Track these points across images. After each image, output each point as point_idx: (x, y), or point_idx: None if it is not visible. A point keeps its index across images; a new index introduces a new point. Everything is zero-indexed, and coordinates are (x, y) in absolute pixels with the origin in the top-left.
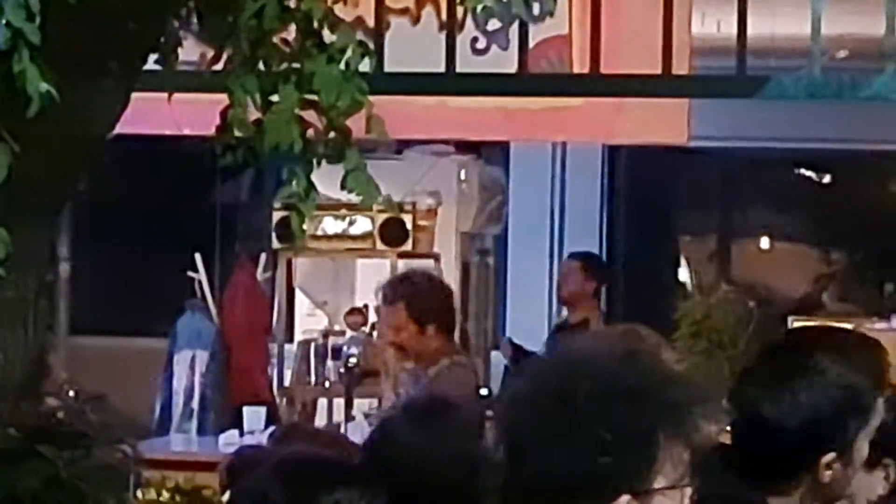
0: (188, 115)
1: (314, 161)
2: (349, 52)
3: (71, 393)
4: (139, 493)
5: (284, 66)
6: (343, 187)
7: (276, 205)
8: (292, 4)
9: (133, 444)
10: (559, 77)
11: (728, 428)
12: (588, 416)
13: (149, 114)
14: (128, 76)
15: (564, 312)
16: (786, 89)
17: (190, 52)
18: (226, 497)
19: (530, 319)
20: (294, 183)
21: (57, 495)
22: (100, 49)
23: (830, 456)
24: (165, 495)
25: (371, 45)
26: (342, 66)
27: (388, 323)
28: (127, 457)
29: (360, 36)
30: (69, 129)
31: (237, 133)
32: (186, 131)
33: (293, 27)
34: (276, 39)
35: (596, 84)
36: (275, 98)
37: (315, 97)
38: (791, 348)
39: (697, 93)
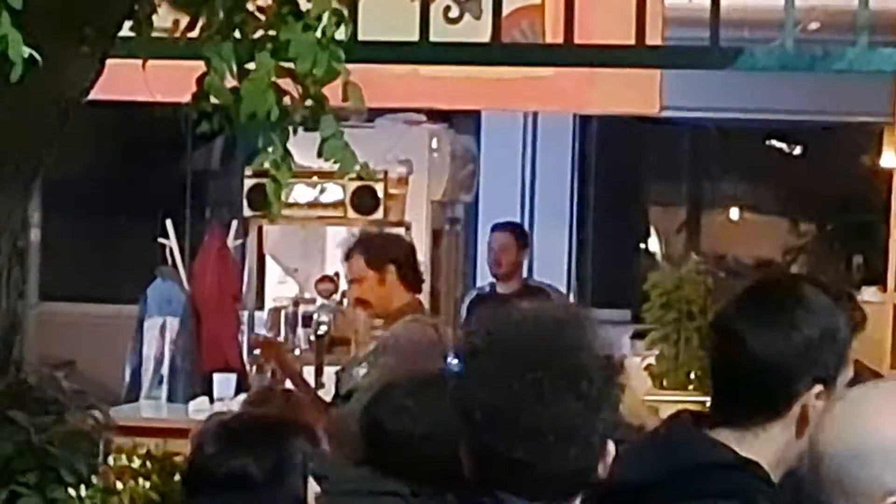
0: (160, 80)
1: (290, 129)
2: (325, 20)
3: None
4: (110, 460)
5: (260, 33)
6: (320, 155)
7: (248, 172)
8: None
9: (104, 411)
10: (532, 47)
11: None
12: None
13: (120, 79)
14: (103, 43)
15: (484, 282)
16: (758, 61)
17: (164, 18)
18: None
19: None
20: (270, 150)
21: (29, 460)
22: (76, 15)
23: (818, 388)
24: (136, 461)
25: (346, 13)
26: (318, 33)
27: (350, 278)
28: (98, 423)
29: (334, 4)
30: (44, 96)
31: (213, 101)
32: (159, 97)
33: None
34: (251, 6)
35: (568, 54)
36: (251, 66)
37: (291, 65)
38: (776, 284)
39: (670, 64)
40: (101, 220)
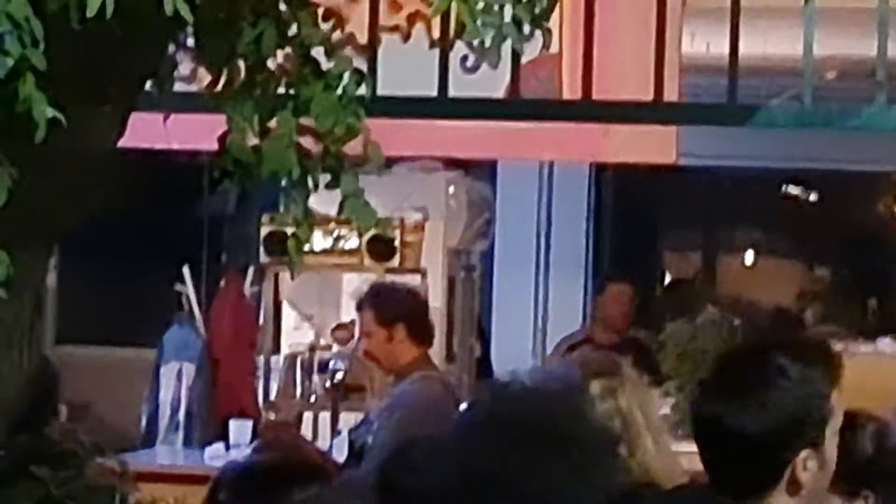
0: (177, 128)
1: (311, 186)
2: (346, 79)
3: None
4: None
5: (282, 91)
6: (340, 213)
7: (264, 218)
8: (290, 31)
9: (123, 464)
10: (549, 103)
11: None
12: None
13: (137, 127)
14: (126, 101)
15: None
16: (775, 118)
17: (182, 66)
18: None
19: (516, 335)
20: (292, 208)
21: None
22: (99, 75)
23: (805, 452)
24: None
25: (365, 70)
26: (339, 92)
27: (361, 332)
28: (117, 475)
29: (351, 53)
30: (67, 155)
31: (236, 157)
32: (176, 146)
33: (290, 52)
34: (272, 65)
35: (586, 110)
36: (272, 124)
37: (312, 123)
38: (748, 354)
39: (688, 120)
40: (117, 264)
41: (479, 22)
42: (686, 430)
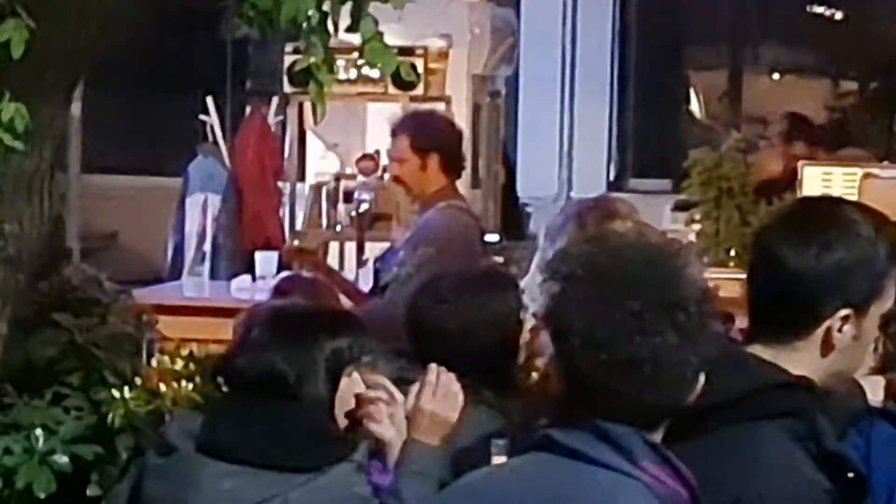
0: None
1: (330, 31)
2: None
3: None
4: (153, 362)
5: None
6: (361, 56)
7: (288, 48)
8: None
9: (148, 312)
10: None
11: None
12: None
13: None
14: None
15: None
16: None
17: None
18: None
19: (541, 161)
20: (312, 51)
21: (73, 362)
22: None
23: (845, 311)
24: (179, 363)
25: None
26: None
27: (392, 156)
28: (141, 323)
29: None
30: (85, 4)
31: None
32: None
33: None
34: None
35: None
36: None
37: None
38: (822, 202)
39: None
40: (142, 92)
41: None
42: (710, 258)
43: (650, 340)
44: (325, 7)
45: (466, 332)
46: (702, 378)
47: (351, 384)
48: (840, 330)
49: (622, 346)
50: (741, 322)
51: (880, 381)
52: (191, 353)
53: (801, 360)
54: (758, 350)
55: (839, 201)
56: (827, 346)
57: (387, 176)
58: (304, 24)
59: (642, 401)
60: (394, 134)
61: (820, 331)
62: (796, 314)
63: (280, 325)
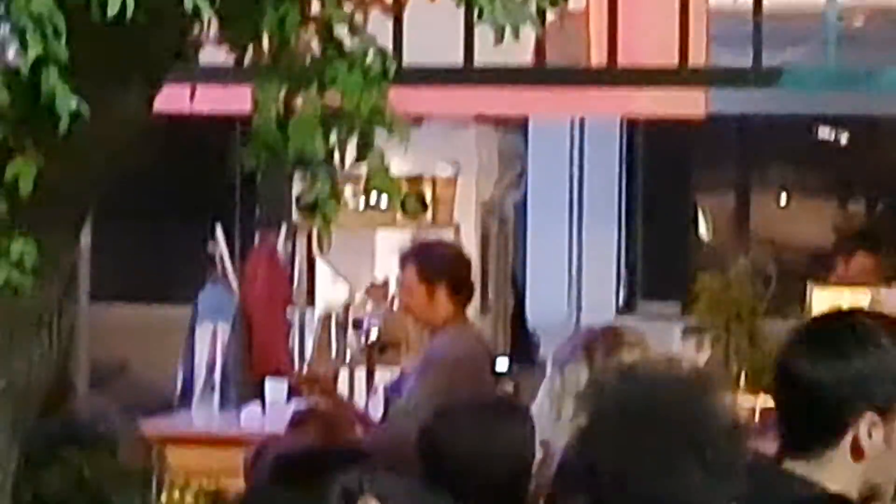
0: (207, 93)
1: (338, 165)
2: (370, 58)
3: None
4: (163, 496)
5: (306, 71)
6: (367, 189)
7: (297, 176)
8: (313, 11)
9: (158, 448)
10: (576, 71)
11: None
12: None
13: (166, 92)
14: (151, 84)
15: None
16: (801, 80)
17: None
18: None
19: (550, 288)
20: (318, 185)
21: (82, 498)
22: (123, 61)
23: (871, 416)
24: (189, 500)
25: (391, 38)
26: (363, 71)
27: (401, 285)
28: (150, 459)
29: (378, 14)
30: (93, 140)
31: (262, 138)
32: (206, 110)
33: (314, 31)
34: (295, 44)
35: (612, 76)
36: (297, 103)
37: (337, 102)
38: (837, 315)
39: (713, 84)
40: (151, 221)
41: (497, 6)
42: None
43: (679, 480)
44: (332, 140)
45: (479, 460)
46: None
47: None
48: (869, 436)
49: (650, 484)
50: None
51: None
52: (200, 487)
53: (835, 473)
54: (791, 465)
55: (852, 312)
56: (858, 454)
57: (396, 304)
58: (311, 157)
59: None
60: (402, 264)
61: (848, 438)
62: (823, 424)
63: (288, 472)
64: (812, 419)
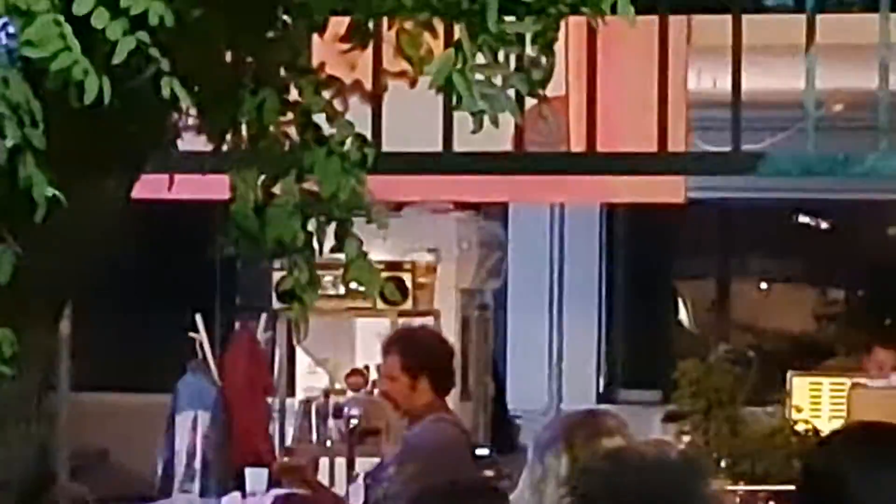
0: (185, 180)
1: (316, 251)
2: (348, 145)
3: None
4: None
5: (284, 158)
6: (345, 277)
7: (276, 264)
8: (292, 98)
9: None
10: (555, 156)
11: None
12: None
13: (144, 179)
14: (130, 173)
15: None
16: (781, 166)
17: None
18: None
19: (531, 374)
20: (296, 273)
21: None
22: (102, 150)
23: None
24: None
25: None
26: (341, 158)
27: (383, 373)
28: None
29: (358, 100)
30: (71, 230)
31: (240, 225)
32: (185, 196)
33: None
34: (274, 131)
35: (591, 163)
36: (276, 190)
37: (315, 189)
38: (877, 425)
39: (693, 170)
40: (131, 310)
41: (476, 94)
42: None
43: None
44: (310, 227)
45: None
46: None
47: None
48: None
49: None
50: None
51: None
52: None
53: None
54: None
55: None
56: None
57: (376, 391)
58: (290, 245)
59: None
60: (385, 352)
61: None
62: None
63: None
64: None
